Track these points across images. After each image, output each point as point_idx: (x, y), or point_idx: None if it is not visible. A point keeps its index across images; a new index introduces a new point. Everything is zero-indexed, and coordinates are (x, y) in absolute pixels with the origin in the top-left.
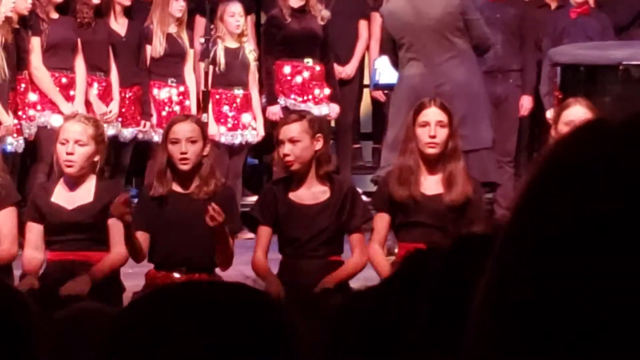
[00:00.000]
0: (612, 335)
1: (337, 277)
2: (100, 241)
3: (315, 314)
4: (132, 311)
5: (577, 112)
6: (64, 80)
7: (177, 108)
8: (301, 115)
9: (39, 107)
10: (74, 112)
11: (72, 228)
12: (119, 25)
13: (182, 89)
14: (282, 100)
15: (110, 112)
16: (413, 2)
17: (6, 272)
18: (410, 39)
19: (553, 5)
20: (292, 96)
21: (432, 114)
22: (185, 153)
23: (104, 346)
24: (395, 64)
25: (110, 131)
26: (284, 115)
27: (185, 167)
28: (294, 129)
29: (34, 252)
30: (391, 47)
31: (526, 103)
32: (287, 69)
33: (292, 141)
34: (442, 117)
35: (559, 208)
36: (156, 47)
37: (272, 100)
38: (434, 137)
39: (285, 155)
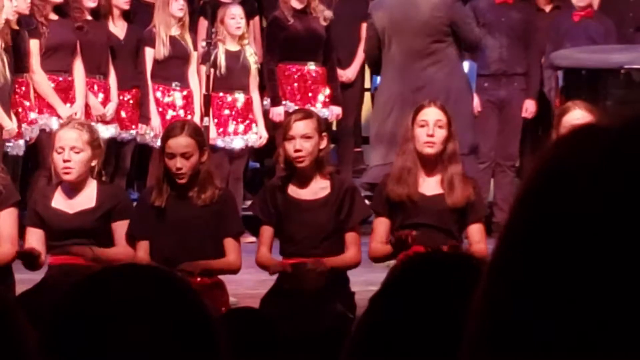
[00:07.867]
0: (609, 337)
1: (332, 262)
2: (102, 245)
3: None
4: (70, 294)
5: (577, 116)
6: (63, 83)
7: (181, 112)
8: (309, 113)
9: (36, 111)
10: (68, 118)
11: (74, 233)
12: (118, 28)
13: (186, 92)
14: (284, 103)
15: (105, 114)
16: (404, 1)
17: (6, 275)
18: (396, 39)
19: (547, 9)
20: (294, 99)
21: (431, 113)
22: (180, 169)
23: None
24: (375, 65)
25: (108, 133)
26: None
27: (182, 181)
28: (306, 125)
29: None
30: (376, 45)
31: (530, 107)
32: (289, 72)
33: (305, 137)
34: (441, 117)
35: (556, 210)
36: (159, 49)
37: (276, 101)
38: (432, 136)
39: (297, 150)
